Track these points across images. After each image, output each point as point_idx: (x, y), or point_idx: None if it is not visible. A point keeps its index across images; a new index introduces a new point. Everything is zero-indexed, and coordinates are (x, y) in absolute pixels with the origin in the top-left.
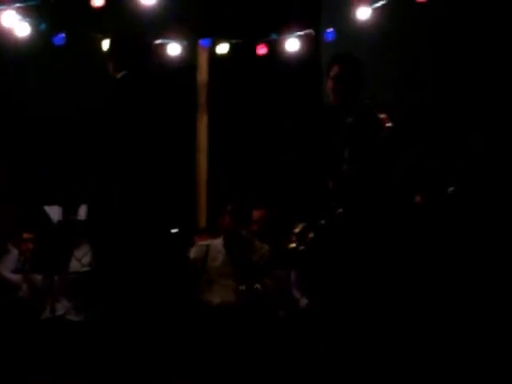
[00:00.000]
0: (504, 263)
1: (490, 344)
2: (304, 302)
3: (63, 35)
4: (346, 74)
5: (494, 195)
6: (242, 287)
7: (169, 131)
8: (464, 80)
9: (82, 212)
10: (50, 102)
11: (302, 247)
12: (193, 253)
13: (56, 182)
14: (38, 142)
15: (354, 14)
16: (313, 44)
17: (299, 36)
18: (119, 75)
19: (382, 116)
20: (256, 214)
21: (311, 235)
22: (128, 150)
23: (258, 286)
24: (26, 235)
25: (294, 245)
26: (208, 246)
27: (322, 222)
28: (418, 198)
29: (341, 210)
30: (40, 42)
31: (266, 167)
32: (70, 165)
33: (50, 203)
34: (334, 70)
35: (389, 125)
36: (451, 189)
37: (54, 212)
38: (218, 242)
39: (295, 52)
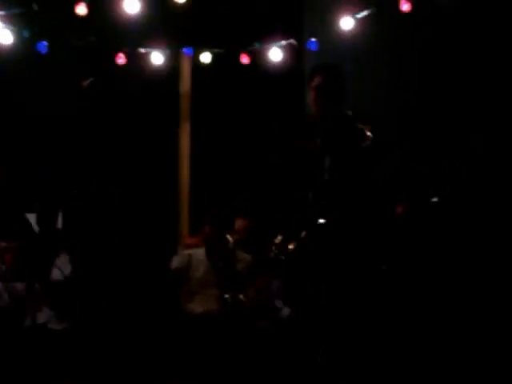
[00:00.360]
0: (498, 267)
1: (489, 345)
2: (286, 311)
3: (46, 43)
4: (328, 84)
5: (491, 197)
6: (227, 296)
7: (149, 140)
8: (449, 91)
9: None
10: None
11: (282, 257)
12: (175, 262)
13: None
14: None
15: (338, 24)
16: (296, 54)
17: (282, 46)
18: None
19: (363, 127)
20: (239, 223)
21: (291, 246)
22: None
23: (241, 296)
24: (3, 244)
25: (273, 254)
26: (190, 255)
27: (303, 233)
28: (399, 209)
29: (321, 220)
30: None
31: (248, 176)
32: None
33: (30, 211)
34: (316, 80)
35: (369, 135)
36: (435, 199)
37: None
38: (200, 252)
39: (278, 62)
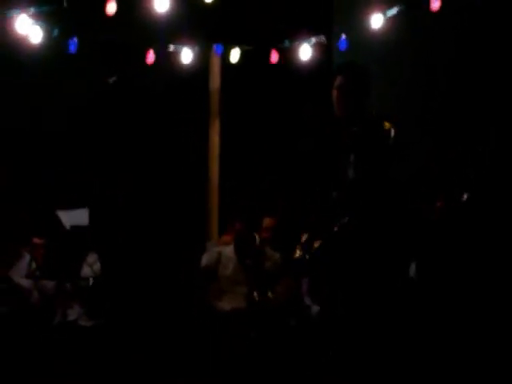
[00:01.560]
0: None
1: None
2: (315, 309)
3: (76, 41)
4: (350, 84)
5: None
6: (255, 294)
7: (179, 138)
8: (477, 88)
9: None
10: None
11: (308, 256)
12: (204, 260)
13: (62, 184)
14: (43, 146)
15: (368, 22)
16: (325, 52)
17: (311, 43)
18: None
19: (388, 126)
20: (267, 221)
21: (316, 245)
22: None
23: (270, 294)
24: (36, 240)
25: (298, 254)
26: (220, 253)
27: (329, 231)
28: (439, 204)
29: (347, 218)
30: (53, 47)
31: (277, 174)
32: (74, 168)
33: (70, 207)
34: (339, 80)
35: (393, 134)
36: (466, 196)
37: (68, 217)
38: (229, 250)
39: (307, 60)
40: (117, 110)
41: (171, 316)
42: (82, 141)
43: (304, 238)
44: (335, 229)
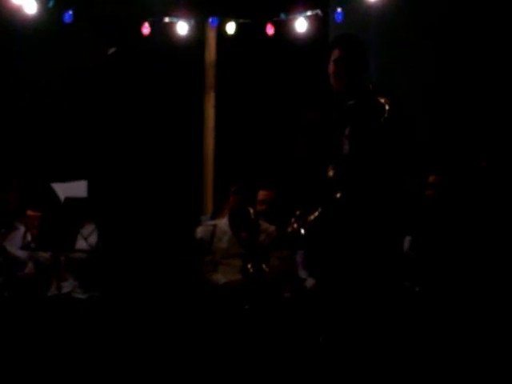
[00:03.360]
0: None
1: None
2: (311, 282)
3: (71, 13)
4: (346, 58)
5: None
6: (249, 266)
7: (174, 111)
8: (478, 64)
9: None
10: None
11: (303, 230)
12: (199, 233)
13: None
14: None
15: None
16: (321, 24)
17: (307, 16)
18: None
19: (383, 100)
20: (262, 194)
21: (311, 218)
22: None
23: (264, 266)
24: (30, 212)
25: (293, 227)
26: (215, 225)
27: (325, 204)
28: (431, 178)
29: (342, 192)
30: (48, 19)
31: (272, 147)
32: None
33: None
34: (335, 54)
35: (387, 108)
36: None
37: (63, 189)
38: (223, 222)
39: (303, 32)
40: (114, 81)
41: (166, 289)
42: (78, 113)
43: (299, 211)
44: (331, 202)
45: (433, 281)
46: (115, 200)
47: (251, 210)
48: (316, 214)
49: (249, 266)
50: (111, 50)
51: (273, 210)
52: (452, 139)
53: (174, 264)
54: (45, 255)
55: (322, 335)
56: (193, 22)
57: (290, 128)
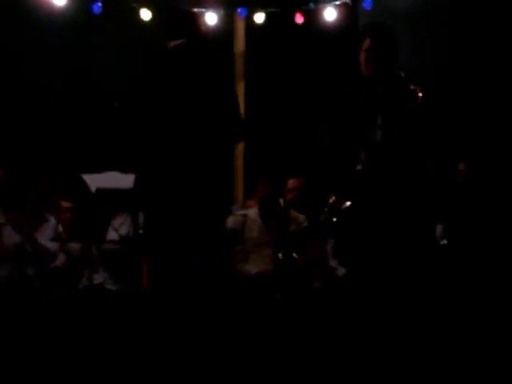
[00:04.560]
0: None
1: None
2: (341, 271)
3: (100, 4)
4: (378, 46)
5: None
6: (280, 255)
7: (204, 101)
8: (506, 52)
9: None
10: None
11: (334, 219)
12: (230, 223)
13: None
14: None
15: None
16: (350, 13)
17: (336, 5)
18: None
19: (415, 87)
20: (292, 182)
21: (344, 206)
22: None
23: (294, 255)
24: (64, 204)
25: (325, 216)
26: (245, 215)
27: (357, 193)
28: (462, 166)
29: (375, 180)
30: (77, 10)
31: (302, 136)
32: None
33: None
34: (367, 43)
35: (421, 96)
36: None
37: (94, 180)
38: (254, 212)
39: (332, 21)
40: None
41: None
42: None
43: (331, 199)
44: (362, 191)
45: (465, 266)
46: (159, 191)
47: (281, 200)
48: (348, 203)
49: (279, 255)
50: (117, 104)
51: (302, 198)
52: (480, 127)
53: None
54: (76, 246)
55: (323, 334)
56: (222, 12)
57: (319, 117)
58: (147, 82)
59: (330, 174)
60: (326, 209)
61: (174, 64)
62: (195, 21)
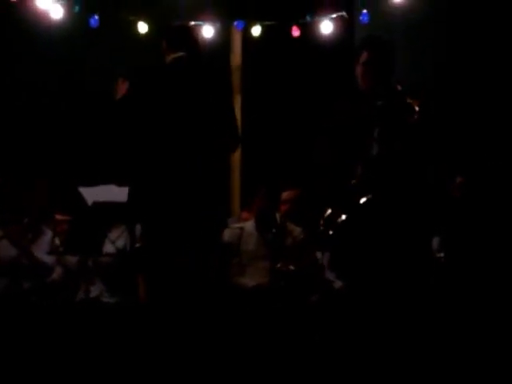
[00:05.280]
0: None
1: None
2: (338, 284)
3: (97, 18)
4: (375, 60)
5: None
6: (278, 265)
7: (200, 114)
8: (504, 63)
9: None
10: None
11: (331, 232)
12: (226, 236)
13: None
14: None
15: None
16: (347, 26)
17: (333, 18)
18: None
19: (413, 102)
20: (286, 194)
21: (340, 219)
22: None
23: (291, 267)
24: (59, 216)
25: (321, 229)
26: (242, 228)
27: (353, 206)
28: (458, 179)
29: (371, 194)
30: (74, 24)
31: (298, 149)
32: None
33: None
34: (364, 56)
35: (417, 109)
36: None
37: (90, 193)
38: (250, 225)
39: (329, 34)
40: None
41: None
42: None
43: (327, 212)
44: (360, 204)
45: (462, 280)
46: (156, 202)
47: (277, 213)
48: (344, 216)
49: (276, 268)
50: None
51: (298, 210)
52: (478, 140)
53: (201, 268)
54: (73, 260)
55: (318, 335)
56: (218, 25)
57: (316, 130)
58: (146, 94)
59: (327, 188)
60: (321, 222)
61: (174, 77)
62: (194, 34)
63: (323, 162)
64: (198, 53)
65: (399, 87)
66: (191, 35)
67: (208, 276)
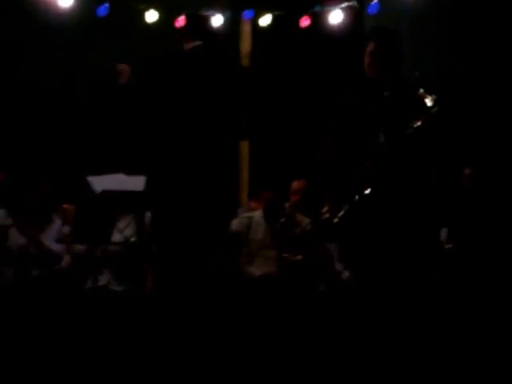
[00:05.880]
0: None
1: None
2: (346, 274)
3: (107, 5)
4: (382, 50)
5: None
6: (287, 255)
7: (209, 103)
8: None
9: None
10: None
11: (336, 220)
12: (235, 225)
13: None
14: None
15: None
16: (357, 16)
17: (343, 8)
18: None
19: (425, 95)
20: (296, 184)
21: (345, 209)
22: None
23: (299, 257)
24: (66, 206)
25: (325, 217)
26: (250, 218)
27: (359, 195)
28: (467, 171)
29: (377, 184)
30: (82, 12)
31: (306, 138)
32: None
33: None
34: (371, 46)
35: (430, 105)
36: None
37: (100, 182)
38: (258, 215)
39: (338, 24)
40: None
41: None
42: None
43: (330, 200)
44: (364, 194)
45: (470, 271)
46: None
47: (286, 204)
48: (348, 205)
49: (283, 257)
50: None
51: (307, 201)
52: (485, 131)
53: (210, 258)
54: (81, 248)
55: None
56: (228, 14)
57: (321, 130)
58: (164, 82)
59: (331, 187)
60: (326, 210)
61: (193, 65)
62: (210, 23)
63: (327, 161)
64: (214, 42)
65: (417, 73)
66: (208, 24)
67: (212, 264)
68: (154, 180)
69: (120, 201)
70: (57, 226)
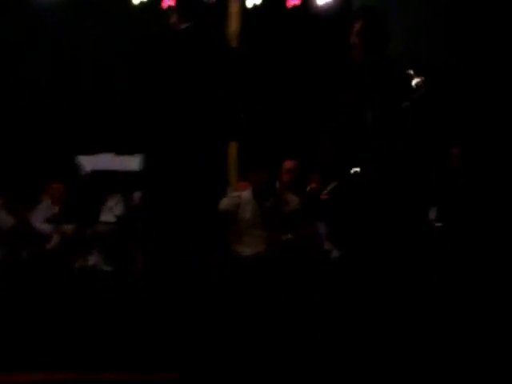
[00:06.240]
0: None
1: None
2: (335, 253)
3: None
4: (367, 29)
5: None
6: (274, 236)
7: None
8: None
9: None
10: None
11: (324, 196)
12: (224, 204)
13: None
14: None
15: None
16: None
17: None
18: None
19: (413, 75)
20: (288, 164)
21: (332, 186)
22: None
23: (289, 235)
24: (55, 185)
25: (311, 187)
26: (239, 197)
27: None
28: (455, 150)
29: (365, 162)
30: None
31: (295, 117)
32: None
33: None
34: (356, 26)
35: (419, 84)
36: None
37: (90, 161)
38: (247, 193)
39: (326, 3)
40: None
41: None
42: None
43: (317, 178)
44: (352, 173)
45: (459, 250)
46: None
47: (276, 182)
48: (335, 183)
49: (273, 236)
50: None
51: (298, 180)
52: (476, 111)
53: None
54: (70, 228)
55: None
56: None
57: (320, 130)
58: (158, 62)
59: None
60: (313, 187)
61: (188, 45)
62: (202, 4)
63: (327, 161)
64: (206, 23)
65: (399, 60)
66: (200, 5)
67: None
68: (149, 162)
69: (110, 180)
70: (45, 206)
